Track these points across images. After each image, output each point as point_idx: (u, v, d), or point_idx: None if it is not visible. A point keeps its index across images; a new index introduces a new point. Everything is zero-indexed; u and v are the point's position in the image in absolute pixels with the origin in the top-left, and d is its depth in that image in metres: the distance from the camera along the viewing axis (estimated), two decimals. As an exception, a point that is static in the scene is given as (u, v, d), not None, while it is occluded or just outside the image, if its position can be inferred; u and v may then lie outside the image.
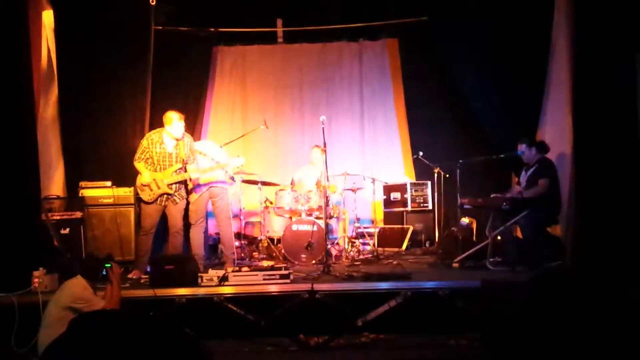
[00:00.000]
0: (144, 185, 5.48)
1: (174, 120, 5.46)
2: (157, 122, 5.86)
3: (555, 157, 5.66)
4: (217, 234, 6.40)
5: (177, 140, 5.54)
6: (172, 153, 5.53)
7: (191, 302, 4.61)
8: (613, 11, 4.87)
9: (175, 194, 5.57)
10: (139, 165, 5.50)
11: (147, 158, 5.49)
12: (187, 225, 5.92)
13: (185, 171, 5.57)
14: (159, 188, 5.48)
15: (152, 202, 5.49)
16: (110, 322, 2.34)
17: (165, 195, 5.52)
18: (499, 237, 5.58)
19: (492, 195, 5.67)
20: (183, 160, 5.57)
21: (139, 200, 5.67)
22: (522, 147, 5.64)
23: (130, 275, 5.39)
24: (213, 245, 6.90)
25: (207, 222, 6.17)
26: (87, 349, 2.28)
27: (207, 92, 8.15)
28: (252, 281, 4.87)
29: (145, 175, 5.45)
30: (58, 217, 5.76)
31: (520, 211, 5.32)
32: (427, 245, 7.17)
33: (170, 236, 5.69)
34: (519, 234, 5.67)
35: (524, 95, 6.59)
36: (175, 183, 5.54)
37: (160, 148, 5.50)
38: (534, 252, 5.28)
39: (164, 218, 5.69)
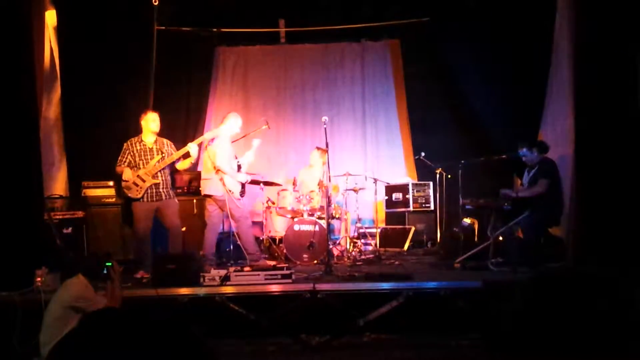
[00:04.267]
0: (128, 182, 5.53)
1: (148, 113, 5.70)
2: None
3: (556, 158, 5.65)
4: (221, 233, 6.42)
5: (155, 134, 5.70)
6: (152, 148, 5.66)
7: (193, 302, 4.61)
8: (615, 12, 4.86)
9: (163, 190, 5.61)
10: (118, 167, 5.62)
11: (129, 161, 5.60)
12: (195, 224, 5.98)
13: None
14: (144, 182, 5.54)
15: (140, 198, 5.52)
16: (118, 320, 2.35)
17: (153, 190, 5.55)
18: (500, 238, 5.57)
19: (501, 190, 5.66)
20: (163, 154, 5.67)
21: (128, 200, 5.69)
22: (522, 151, 5.63)
23: (136, 276, 5.40)
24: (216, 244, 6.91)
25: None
26: (95, 348, 2.28)
27: (209, 92, 8.18)
28: (253, 281, 4.87)
29: (126, 173, 5.54)
30: (60, 217, 5.77)
31: (522, 212, 5.32)
32: (428, 245, 7.17)
33: (170, 236, 5.71)
34: (521, 235, 5.67)
35: (525, 95, 6.59)
36: (161, 171, 5.61)
37: (140, 145, 5.65)
38: (536, 252, 5.27)
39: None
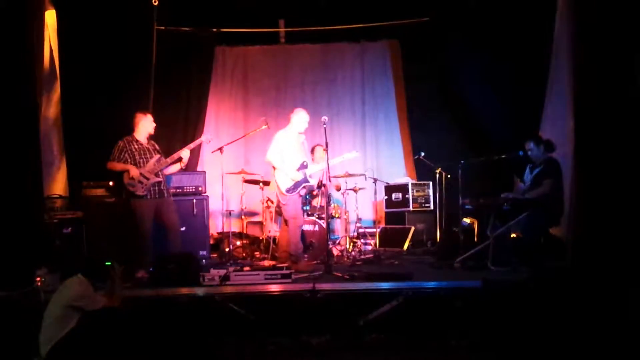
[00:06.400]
0: (134, 180, 5.53)
1: (147, 115, 5.79)
2: (158, 121, 5.90)
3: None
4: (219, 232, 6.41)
5: (150, 133, 5.78)
6: (148, 147, 5.73)
7: (193, 302, 4.61)
8: (615, 12, 4.87)
9: (163, 187, 5.67)
10: (117, 164, 5.59)
11: (126, 159, 5.60)
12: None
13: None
14: (147, 179, 5.57)
15: (145, 195, 5.54)
16: (117, 320, 2.37)
17: (156, 187, 5.59)
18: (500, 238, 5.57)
19: (502, 195, 5.66)
20: (159, 152, 5.75)
21: (130, 196, 5.61)
22: (529, 145, 5.61)
23: (137, 275, 5.38)
24: (214, 244, 6.92)
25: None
26: (95, 347, 2.30)
27: (208, 92, 8.16)
28: (253, 281, 4.88)
29: (133, 170, 5.54)
30: (60, 217, 5.76)
31: (522, 212, 5.32)
32: (428, 245, 7.17)
33: (170, 235, 5.66)
34: (520, 235, 5.67)
35: (525, 95, 6.59)
36: (161, 170, 5.67)
37: (137, 144, 5.69)
38: (535, 253, 5.27)
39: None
